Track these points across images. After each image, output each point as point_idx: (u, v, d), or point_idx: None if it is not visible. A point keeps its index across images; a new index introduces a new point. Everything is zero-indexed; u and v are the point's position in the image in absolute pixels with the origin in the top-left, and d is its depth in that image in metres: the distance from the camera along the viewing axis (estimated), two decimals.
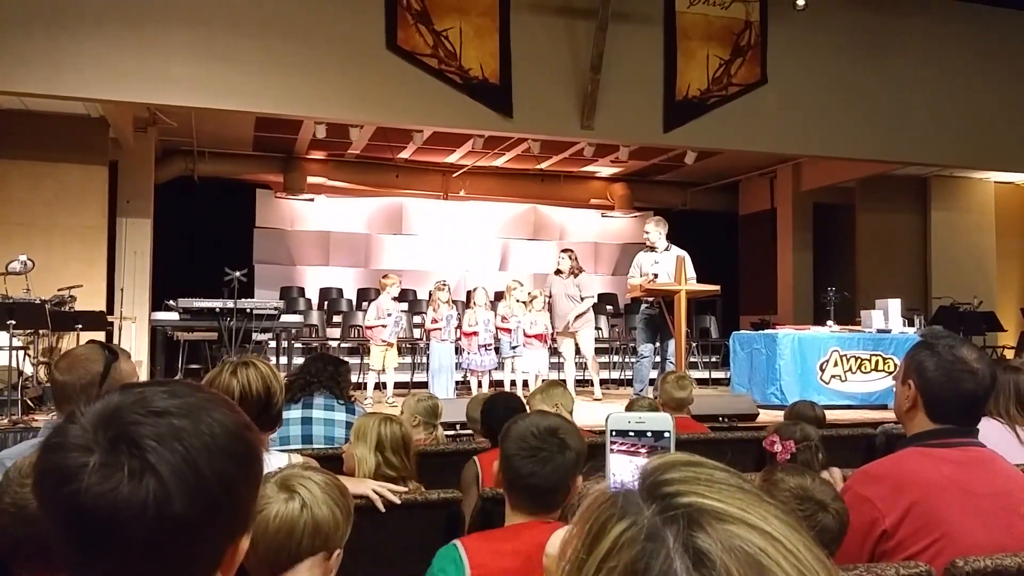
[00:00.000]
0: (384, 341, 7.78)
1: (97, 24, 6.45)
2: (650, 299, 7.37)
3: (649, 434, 0.82)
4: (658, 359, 7.57)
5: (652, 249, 7.52)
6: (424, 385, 8.53)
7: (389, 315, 7.85)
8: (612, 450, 0.82)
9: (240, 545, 0.80)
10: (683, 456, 0.57)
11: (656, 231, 7.53)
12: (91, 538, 0.71)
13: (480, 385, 8.21)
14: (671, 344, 7.25)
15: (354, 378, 9.25)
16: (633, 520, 0.51)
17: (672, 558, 0.48)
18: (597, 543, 0.52)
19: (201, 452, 0.74)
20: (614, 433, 0.82)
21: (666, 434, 0.82)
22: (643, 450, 0.81)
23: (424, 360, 8.97)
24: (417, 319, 10.46)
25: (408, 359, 10.07)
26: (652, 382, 7.45)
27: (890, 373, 7.37)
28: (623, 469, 0.81)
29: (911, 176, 10.92)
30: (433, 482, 2.51)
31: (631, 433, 0.82)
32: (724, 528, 0.49)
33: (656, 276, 7.27)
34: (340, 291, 11.88)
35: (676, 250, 7.46)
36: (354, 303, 11.62)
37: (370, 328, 8.03)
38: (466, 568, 1.58)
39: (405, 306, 8.48)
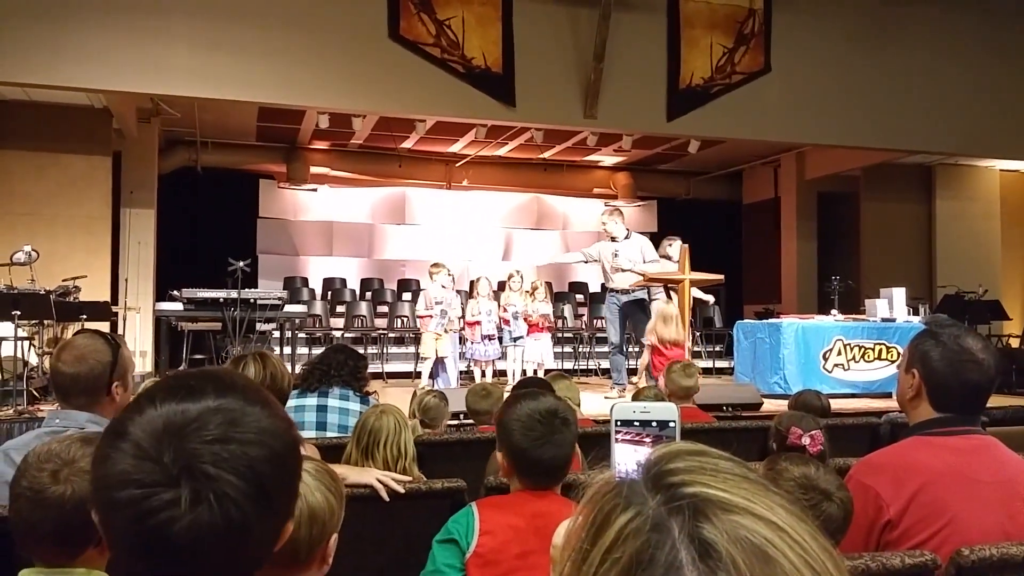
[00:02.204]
0: (433, 332, 7.76)
1: (100, 14, 6.43)
2: (616, 289, 7.32)
3: (654, 423, 0.81)
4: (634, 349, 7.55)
5: (613, 239, 7.46)
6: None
7: (438, 304, 7.81)
8: (617, 439, 0.82)
9: (286, 530, 0.86)
10: (688, 445, 0.57)
11: (612, 221, 7.47)
12: (173, 561, 0.76)
13: (483, 375, 8.22)
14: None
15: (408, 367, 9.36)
16: (638, 510, 0.51)
17: (677, 549, 0.48)
18: (601, 534, 0.51)
19: (266, 472, 0.80)
20: (619, 423, 0.82)
21: (671, 423, 0.81)
22: (648, 439, 0.81)
23: None
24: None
25: (411, 349, 10.10)
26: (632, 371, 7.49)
27: (894, 362, 7.36)
28: (627, 458, 0.81)
29: (916, 164, 10.87)
30: (438, 472, 2.52)
31: (636, 423, 0.82)
32: (730, 518, 0.49)
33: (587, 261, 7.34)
34: (344, 281, 11.89)
35: (637, 237, 7.44)
36: (357, 293, 11.64)
37: (421, 317, 8.04)
38: (476, 522, 1.76)
39: (454, 294, 8.28)
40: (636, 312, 7.29)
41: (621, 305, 7.34)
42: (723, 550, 0.47)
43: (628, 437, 0.81)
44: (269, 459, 0.80)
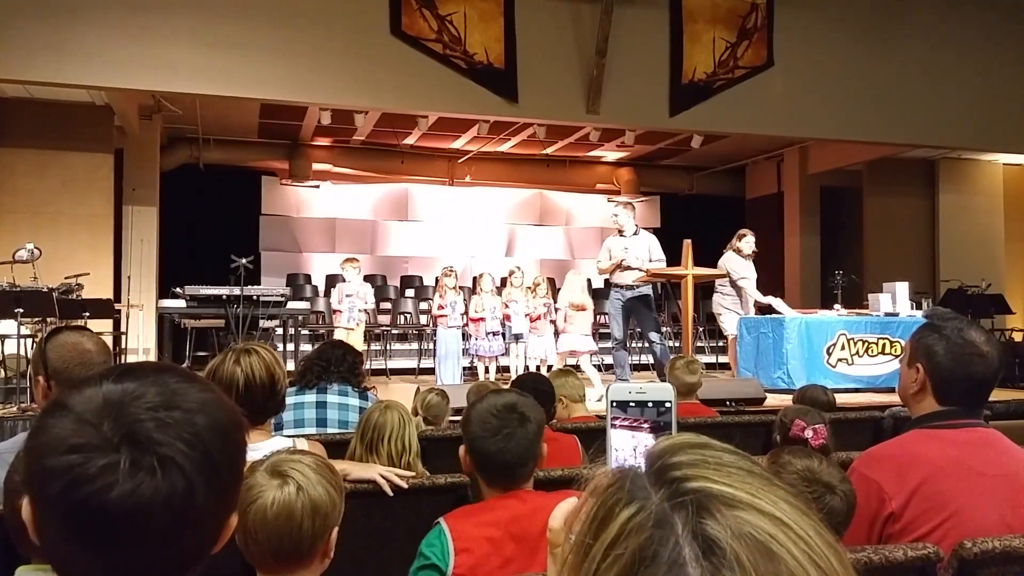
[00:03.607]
0: (343, 327, 7.77)
1: (101, 11, 6.43)
2: (620, 284, 7.25)
3: (651, 404, 0.80)
4: (639, 345, 7.51)
5: (621, 234, 7.42)
6: (431, 372, 8.55)
7: (348, 296, 7.83)
8: (615, 425, 0.81)
9: (230, 523, 0.82)
10: (691, 438, 0.56)
11: (624, 214, 7.41)
12: (110, 536, 0.71)
13: (487, 371, 8.22)
14: (653, 334, 7.22)
15: None
16: (641, 505, 0.51)
17: (681, 545, 0.48)
18: (604, 528, 0.51)
19: (213, 442, 0.76)
20: (614, 404, 0.81)
21: (667, 404, 0.81)
22: (646, 425, 0.80)
23: (431, 347, 8.98)
24: (423, 305, 10.49)
25: (414, 345, 10.11)
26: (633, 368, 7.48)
27: (897, 356, 7.35)
28: (625, 444, 0.80)
29: (919, 159, 10.84)
30: (441, 467, 2.52)
31: (632, 404, 0.81)
32: (734, 514, 0.49)
33: (623, 260, 7.13)
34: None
35: (645, 234, 7.40)
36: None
37: (335, 312, 8.07)
38: (448, 540, 1.67)
39: (368, 288, 8.36)
40: (640, 308, 7.25)
41: (625, 301, 7.31)
42: (727, 546, 0.47)
43: (626, 423, 0.80)
44: (214, 428, 0.76)
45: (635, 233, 7.36)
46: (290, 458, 1.45)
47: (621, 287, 7.31)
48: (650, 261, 7.20)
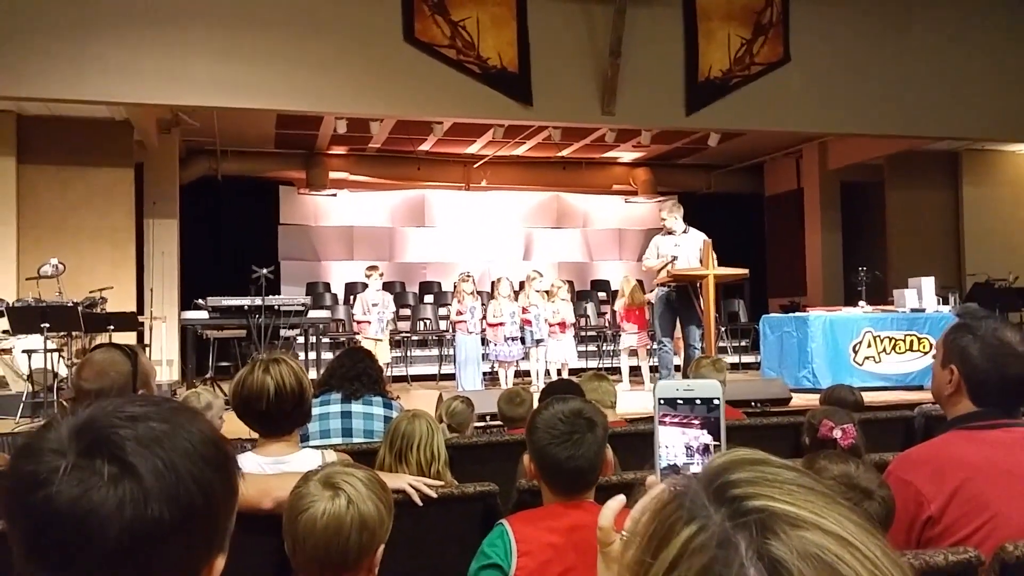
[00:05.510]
0: (371, 337, 7.72)
1: (118, 27, 6.50)
2: (671, 284, 7.16)
3: (699, 401, 0.79)
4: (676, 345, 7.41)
5: (670, 233, 7.32)
6: (451, 378, 8.55)
7: (374, 306, 7.83)
8: (663, 422, 0.79)
9: (215, 565, 0.77)
10: (749, 453, 0.55)
11: (672, 216, 7.31)
12: (64, 546, 0.69)
13: (507, 376, 8.21)
14: (694, 330, 7.03)
15: None
16: (702, 524, 0.50)
17: (746, 566, 0.47)
18: (664, 547, 0.50)
19: (181, 456, 0.74)
20: (662, 402, 0.79)
21: (715, 401, 0.79)
22: (696, 421, 0.78)
23: (450, 352, 8.98)
24: (443, 311, 10.50)
25: (435, 351, 10.13)
26: (677, 368, 7.38)
27: (926, 353, 7.25)
28: (675, 442, 0.79)
29: (941, 151, 10.72)
30: (468, 475, 2.50)
31: (680, 401, 0.79)
32: (798, 534, 0.47)
33: (675, 259, 7.06)
34: (365, 285, 11.91)
35: (695, 232, 7.30)
36: None
37: (359, 323, 8.03)
38: (512, 542, 1.66)
39: (388, 297, 8.38)
40: (687, 306, 7.03)
41: (671, 299, 7.16)
42: (793, 568, 0.46)
43: (676, 420, 0.79)
44: (189, 449, 0.74)
45: (685, 231, 7.26)
46: (344, 471, 1.47)
47: (668, 285, 7.14)
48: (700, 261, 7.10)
